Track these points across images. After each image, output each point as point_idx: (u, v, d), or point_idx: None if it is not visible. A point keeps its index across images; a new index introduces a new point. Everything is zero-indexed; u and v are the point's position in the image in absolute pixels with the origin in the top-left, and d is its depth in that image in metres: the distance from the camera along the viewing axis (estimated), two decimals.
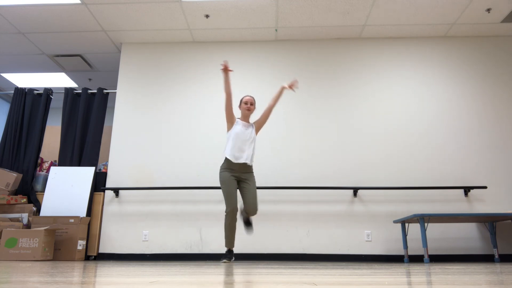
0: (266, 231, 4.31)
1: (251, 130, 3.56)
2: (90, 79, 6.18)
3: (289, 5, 4.35)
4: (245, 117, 3.60)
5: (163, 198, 4.49)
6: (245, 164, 3.45)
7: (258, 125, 3.61)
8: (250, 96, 3.62)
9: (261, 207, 4.39)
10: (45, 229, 3.80)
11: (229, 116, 3.52)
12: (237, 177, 3.47)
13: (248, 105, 3.57)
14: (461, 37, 4.93)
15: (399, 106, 4.70)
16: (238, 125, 3.55)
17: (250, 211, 3.44)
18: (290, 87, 3.55)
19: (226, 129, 4.70)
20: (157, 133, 4.75)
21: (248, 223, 3.59)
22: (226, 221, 3.36)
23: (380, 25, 4.72)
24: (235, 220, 3.35)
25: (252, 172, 3.54)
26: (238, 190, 3.55)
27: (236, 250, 4.26)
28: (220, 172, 3.47)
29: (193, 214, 4.41)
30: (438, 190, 4.37)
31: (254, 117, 3.94)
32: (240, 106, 3.63)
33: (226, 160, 3.45)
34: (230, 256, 3.37)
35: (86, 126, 4.97)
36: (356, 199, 4.38)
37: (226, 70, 3.35)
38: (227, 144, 3.50)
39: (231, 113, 3.51)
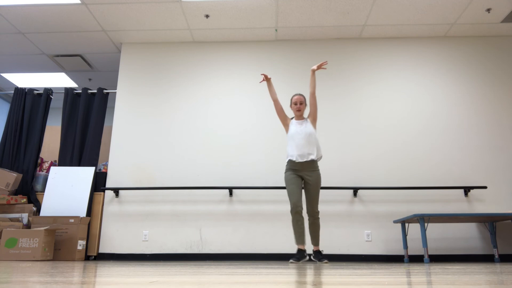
0: (266, 231, 4.31)
1: (306, 125, 3.57)
2: (90, 79, 6.18)
3: (289, 5, 4.35)
4: (298, 116, 3.64)
5: (163, 198, 4.49)
6: (307, 162, 3.48)
7: (312, 117, 3.61)
8: (299, 95, 3.63)
9: (261, 207, 4.39)
10: (45, 229, 3.80)
11: (282, 119, 3.65)
12: (302, 176, 3.51)
13: (298, 105, 3.60)
14: (461, 37, 4.93)
15: (399, 106, 4.70)
16: (293, 125, 3.61)
17: (308, 212, 3.50)
18: (319, 67, 3.56)
19: (227, 123, 4.70)
20: (157, 133, 4.75)
21: (318, 254, 3.45)
22: (292, 219, 3.41)
23: (380, 25, 4.72)
24: (299, 218, 3.35)
25: (317, 170, 3.53)
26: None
27: (236, 250, 4.26)
28: (284, 172, 3.60)
29: (193, 214, 4.41)
30: (438, 190, 4.37)
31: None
32: (291, 106, 3.68)
33: (289, 161, 3.53)
34: (298, 256, 3.31)
35: (86, 126, 4.97)
36: (356, 199, 4.38)
37: (266, 79, 3.60)
38: (287, 146, 3.58)
39: (283, 116, 3.65)
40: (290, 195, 3.43)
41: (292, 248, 4.25)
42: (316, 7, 4.38)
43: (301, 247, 3.35)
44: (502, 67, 4.78)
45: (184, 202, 4.46)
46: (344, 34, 4.91)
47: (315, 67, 3.57)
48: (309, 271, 1.88)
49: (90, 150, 4.79)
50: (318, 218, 3.50)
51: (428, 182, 4.40)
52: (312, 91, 3.56)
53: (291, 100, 3.66)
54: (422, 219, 3.58)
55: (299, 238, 3.35)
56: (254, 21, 4.64)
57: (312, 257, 3.53)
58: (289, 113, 4.43)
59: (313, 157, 3.48)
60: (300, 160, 3.48)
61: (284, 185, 4.45)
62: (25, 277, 1.42)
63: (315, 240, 3.46)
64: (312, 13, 4.49)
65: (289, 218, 4.35)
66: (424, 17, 4.57)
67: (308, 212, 3.50)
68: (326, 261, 3.35)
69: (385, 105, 4.71)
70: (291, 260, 3.27)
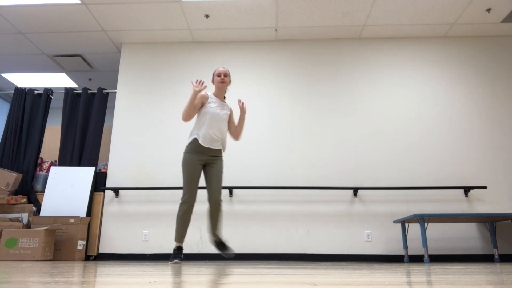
0: (266, 231, 4.31)
1: (226, 113, 3.25)
2: (90, 79, 6.18)
3: (289, 5, 4.35)
4: (220, 93, 3.27)
5: (163, 198, 4.49)
6: (215, 150, 3.18)
7: (232, 121, 3.32)
8: (224, 67, 3.27)
9: (261, 207, 4.39)
10: (45, 229, 3.80)
11: (194, 106, 3.10)
12: (204, 162, 3.15)
13: (221, 77, 3.22)
14: (461, 37, 4.93)
15: (399, 106, 4.70)
16: (213, 104, 3.19)
17: (213, 198, 3.11)
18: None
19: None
20: (157, 133, 4.75)
21: (222, 245, 3.18)
22: (180, 211, 3.03)
23: (380, 25, 4.72)
24: (190, 212, 3.04)
25: (221, 156, 3.25)
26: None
27: (236, 250, 4.26)
28: (185, 153, 3.11)
29: (193, 214, 4.41)
30: (438, 190, 4.37)
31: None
32: (213, 80, 3.29)
33: (195, 141, 3.11)
34: (180, 255, 3.04)
35: (86, 126, 4.97)
36: (356, 199, 4.38)
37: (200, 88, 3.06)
38: (198, 124, 3.14)
39: (198, 102, 3.14)
40: (190, 184, 3.05)
41: (292, 248, 4.25)
42: (316, 7, 4.38)
43: (181, 243, 3.10)
44: (502, 67, 4.78)
45: None
46: (344, 34, 4.91)
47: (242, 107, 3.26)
48: (309, 271, 1.88)
49: (90, 150, 4.79)
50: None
51: (428, 182, 4.40)
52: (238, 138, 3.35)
53: (214, 73, 3.28)
54: (422, 219, 3.58)
55: (184, 235, 3.09)
56: (254, 21, 4.64)
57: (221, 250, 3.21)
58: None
59: (223, 147, 3.24)
60: (211, 146, 3.13)
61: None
62: (25, 277, 1.42)
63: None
64: (312, 13, 4.49)
65: (289, 218, 4.34)
66: (424, 17, 4.57)
67: (212, 199, 3.12)
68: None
69: (385, 105, 4.71)
70: (175, 260, 2.99)
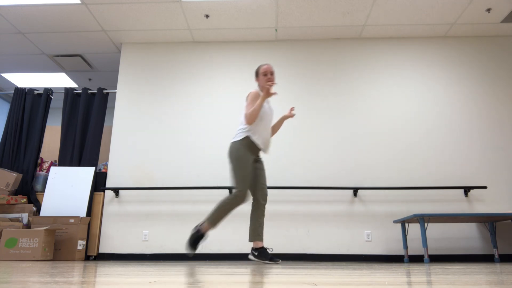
0: (266, 231, 4.30)
1: (273, 113, 3.20)
2: (90, 79, 6.18)
3: (289, 5, 4.35)
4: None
5: (163, 198, 4.49)
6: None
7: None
8: (268, 64, 3.09)
9: None
10: (45, 229, 3.80)
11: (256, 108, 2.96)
12: (252, 160, 3.08)
13: (268, 76, 3.06)
14: (461, 37, 4.93)
15: (399, 106, 4.70)
16: (266, 104, 3.09)
17: (264, 193, 3.09)
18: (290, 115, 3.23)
19: (227, 123, 4.70)
20: (157, 133, 4.75)
21: (265, 252, 2.98)
22: (229, 202, 2.91)
23: (380, 25, 4.72)
24: (236, 208, 2.98)
25: None
26: None
27: (236, 250, 4.26)
28: (241, 150, 2.97)
29: (193, 214, 4.41)
30: (438, 190, 4.37)
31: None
32: (258, 78, 3.14)
33: (252, 141, 3.02)
34: (200, 239, 2.95)
35: (86, 126, 4.97)
36: (356, 199, 4.38)
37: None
38: (254, 123, 3.03)
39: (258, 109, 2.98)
40: (246, 180, 2.94)
41: (292, 248, 4.24)
42: (316, 7, 4.38)
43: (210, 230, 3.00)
44: (502, 67, 4.78)
45: (184, 202, 4.46)
46: (344, 34, 4.91)
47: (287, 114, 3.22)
48: (309, 271, 1.88)
49: (90, 150, 4.79)
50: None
51: (428, 182, 4.40)
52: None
53: (258, 71, 3.12)
54: (422, 219, 3.58)
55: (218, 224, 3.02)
56: (254, 21, 4.64)
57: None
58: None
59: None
60: (265, 147, 3.10)
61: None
62: (25, 277, 1.41)
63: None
64: (312, 13, 4.49)
65: (289, 218, 4.34)
66: (424, 17, 4.57)
67: (261, 196, 3.10)
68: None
69: (385, 105, 4.71)
70: (279, 261, 2.94)
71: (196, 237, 2.99)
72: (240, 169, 2.95)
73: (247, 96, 3.07)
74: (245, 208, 4.38)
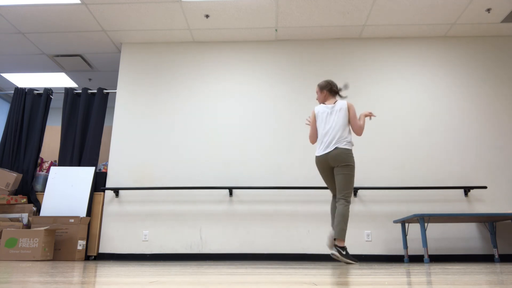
0: (266, 231, 4.31)
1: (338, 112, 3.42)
2: (90, 79, 6.18)
3: (289, 5, 4.35)
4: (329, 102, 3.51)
5: (163, 198, 4.49)
6: None
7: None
8: (318, 84, 3.58)
9: (261, 207, 4.39)
10: (45, 229, 3.80)
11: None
12: None
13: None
14: (461, 37, 4.93)
15: (399, 106, 4.70)
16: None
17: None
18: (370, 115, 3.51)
19: (227, 124, 4.70)
20: (157, 133, 4.75)
21: (348, 255, 3.15)
22: (348, 209, 3.17)
23: (380, 25, 4.72)
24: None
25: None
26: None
27: (236, 250, 4.26)
28: (353, 157, 3.34)
29: (193, 214, 4.41)
30: (438, 190, 4.37)
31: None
32: (336, 95, 3.61)
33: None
34: (346, 253, 3.07)
35: (86, 126, 4.97)
36: (356, 199, 4.38)
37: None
38: (351, 133, 3.47)
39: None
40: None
41: (292, 248, 4.24)
42: (316, 7, 4.38)
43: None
44: (502, 67, 4.78)
45: (184, 202, 4.46)
46: (344, 34, 4.91)
47: (366, 113, 3.48)
48: (309, 271, 1.88)
49: (90, 150, 4.79)
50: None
51: (428, 182, 4.40)
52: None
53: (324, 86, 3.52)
54: (422, 219, 3.58)
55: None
56: (254, 21, 4.64)
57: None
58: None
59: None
60: None
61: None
62: (25, 277, 1.41)
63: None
64: (312, 13, 4.49)
65: (289, 218, 4.34)
66: (424, 17, 4.57)
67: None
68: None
69: (385, 105, 4.71)
70: (348, 260, 3.07)
71: (346, 253, 3.12)
72: (353, 176, 3.32)
73: (349, 107, 3.41)
74: (245, 208, 4.38)
